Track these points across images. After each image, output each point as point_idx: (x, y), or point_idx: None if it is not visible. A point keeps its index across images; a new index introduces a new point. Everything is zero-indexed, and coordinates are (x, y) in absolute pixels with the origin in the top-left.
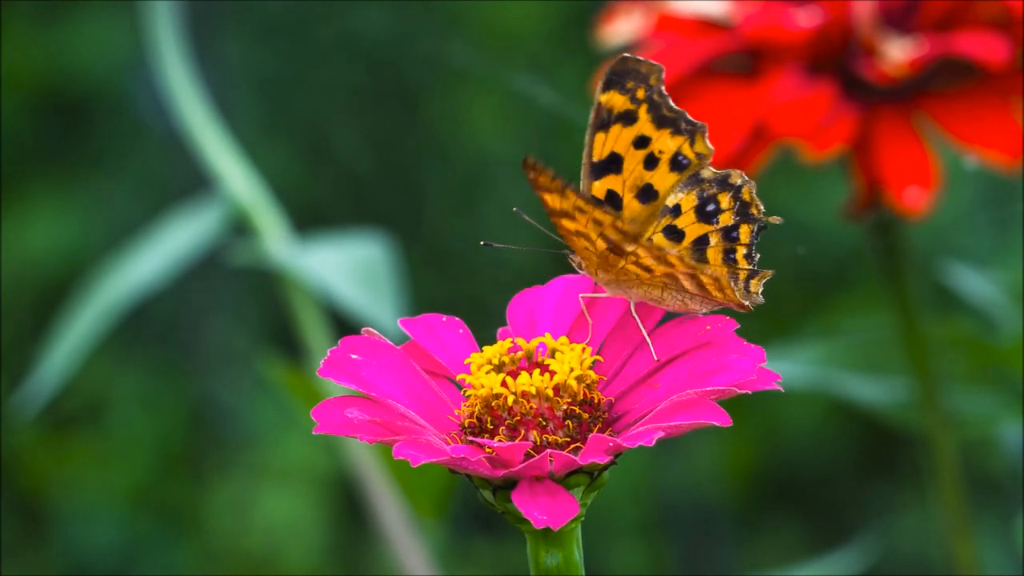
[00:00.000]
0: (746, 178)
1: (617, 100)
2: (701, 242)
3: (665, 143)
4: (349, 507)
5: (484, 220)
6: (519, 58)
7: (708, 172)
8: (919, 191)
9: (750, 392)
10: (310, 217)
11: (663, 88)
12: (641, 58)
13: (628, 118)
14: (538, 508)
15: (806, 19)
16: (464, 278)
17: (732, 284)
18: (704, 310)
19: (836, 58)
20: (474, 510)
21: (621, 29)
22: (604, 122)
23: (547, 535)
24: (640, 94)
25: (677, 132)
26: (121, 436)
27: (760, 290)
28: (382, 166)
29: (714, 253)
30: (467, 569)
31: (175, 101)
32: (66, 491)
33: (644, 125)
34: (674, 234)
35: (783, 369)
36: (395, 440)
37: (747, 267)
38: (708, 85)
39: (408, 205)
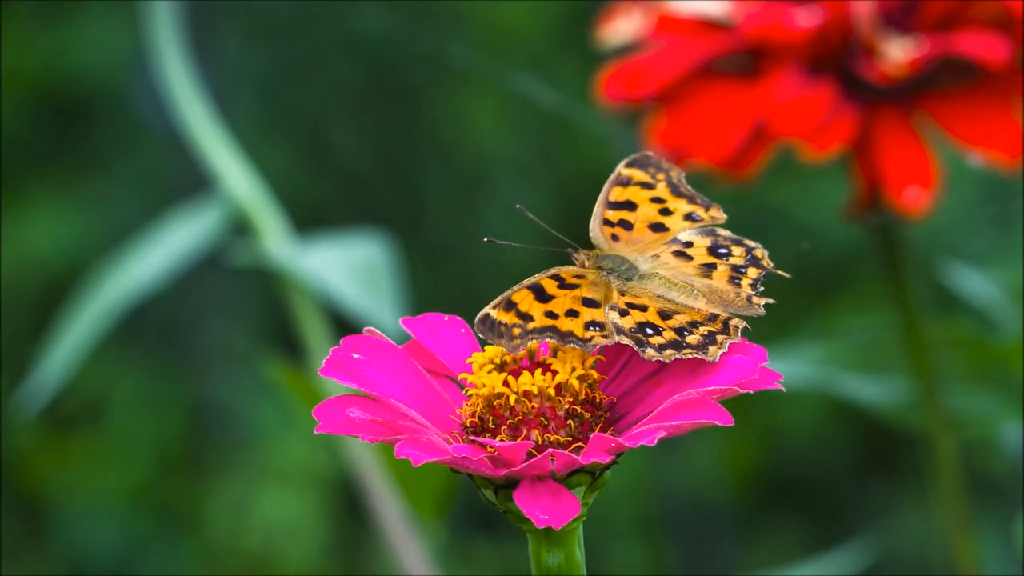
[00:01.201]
0: (760, 245)
1: (638, 174)
2: (709, 267)
3: (680, 206)
4: (349, 507)
5: (484, 220)
6: (519, 58)
7: (725, 232)
8: (919, 191)
9: (752, 392)
10: (310, 217)
11: (683, 179)
12: (663, 160)
13: (647, 186)
14: (540, 508)
15: (806, 19)
16: (464, 278)
17: (735, 298)
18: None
19: (836, 58)
20: (474, 510)
21: (621, 29)
22: (623, 182)
23: (549, 535)
24: (660, 176)
25: (692, 202)
26: (121, 436)
27: (762, 303)
28: (382, 166)
29: (720, 275)
30: (467, 569)
31: (175, 101)
32: (66, 491)
33: (662, 192)
34: (683, 256)
35: (784, 369)
36: (397, 439)
37: (750, 291)
38: (708, 85)
39: (408, 205)
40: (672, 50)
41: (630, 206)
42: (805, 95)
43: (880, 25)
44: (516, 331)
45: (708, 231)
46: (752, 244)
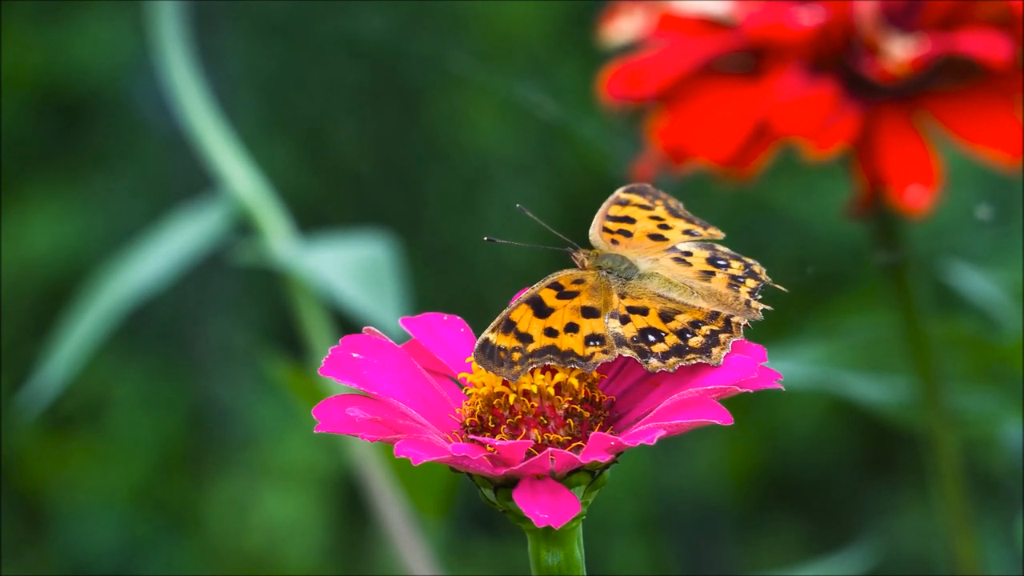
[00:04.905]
0: (758, 263)
1: (636, 198)
2: (708, 273)
3: (678, 224)
4: (350, 506)
5: (484, 220)
6: (519, 58)
7: (724, 248)
8: (921, 189)
9: (751, 391)
10: (310, 217)
11: (681, 206)
12: (660, 191)
13: (645, 207)
14: (539, 507)
15: (808, 18)
16: (464, 278)
17: (734, 301)
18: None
19: (838, 57)
20: (475, 509)
21: (624, 28)
22: (622, 203)
23: (548, 534)
24: (657, 202)
25: (690, 222)
26: (121, 436)
27: (760, 308)
28: (382, 166)
29: (719, 281)
30: (467, 569)
31: (177, 100)
32: (66, 491)
33: (660, 213)
34: (683, 263)
35: (784, 368)
36: (396, 439)
37: (748, 297)
38: (710, 84)
39: (408, 205)
40: (674, 49)
41: (629, 220)
42: (807, 94)
43: (882, 24)
44: (516, 355)
45: (707, 245)
46: (750, 261)
